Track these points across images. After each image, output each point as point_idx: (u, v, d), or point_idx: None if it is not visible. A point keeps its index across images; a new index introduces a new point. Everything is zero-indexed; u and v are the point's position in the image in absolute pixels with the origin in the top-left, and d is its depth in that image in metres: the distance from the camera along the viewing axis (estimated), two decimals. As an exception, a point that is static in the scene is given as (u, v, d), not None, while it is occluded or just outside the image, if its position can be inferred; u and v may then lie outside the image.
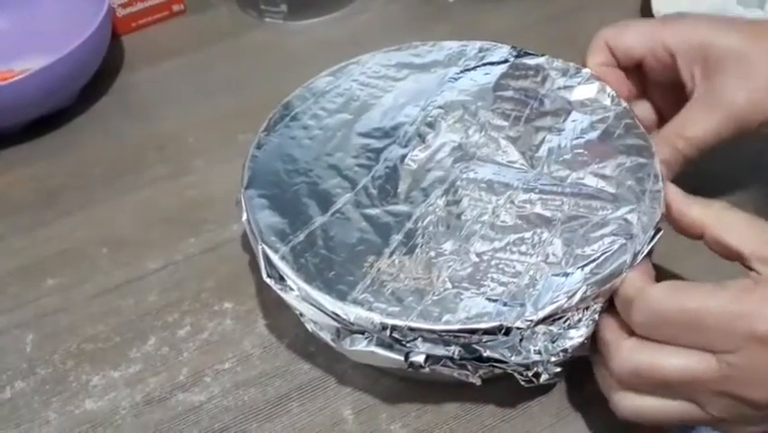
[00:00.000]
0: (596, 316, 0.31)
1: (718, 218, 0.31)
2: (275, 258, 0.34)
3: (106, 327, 0.40)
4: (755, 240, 0.30)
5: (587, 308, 0.31)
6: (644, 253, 0.32)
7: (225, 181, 0.48)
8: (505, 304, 0.31)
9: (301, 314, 0.33)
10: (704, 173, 0.39)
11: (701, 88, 0.37)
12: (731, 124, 0.36)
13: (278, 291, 0.34)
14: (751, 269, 0.30)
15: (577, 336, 0.31)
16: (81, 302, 0.42)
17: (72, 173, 0.50)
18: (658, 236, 0.33)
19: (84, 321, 0.41)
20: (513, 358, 0.31)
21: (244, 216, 0.36)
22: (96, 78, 0.55)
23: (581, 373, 0.34)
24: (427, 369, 0.31)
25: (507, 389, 0.34)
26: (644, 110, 0.41)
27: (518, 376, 0.31)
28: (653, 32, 0.39)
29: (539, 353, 0.31)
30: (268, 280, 0.34)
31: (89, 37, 0.50)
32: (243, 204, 0.37)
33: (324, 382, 0.37)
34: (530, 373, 0.31)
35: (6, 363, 0.39)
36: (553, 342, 0.31)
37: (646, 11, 0.55)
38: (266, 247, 0.34)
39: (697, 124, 0.37)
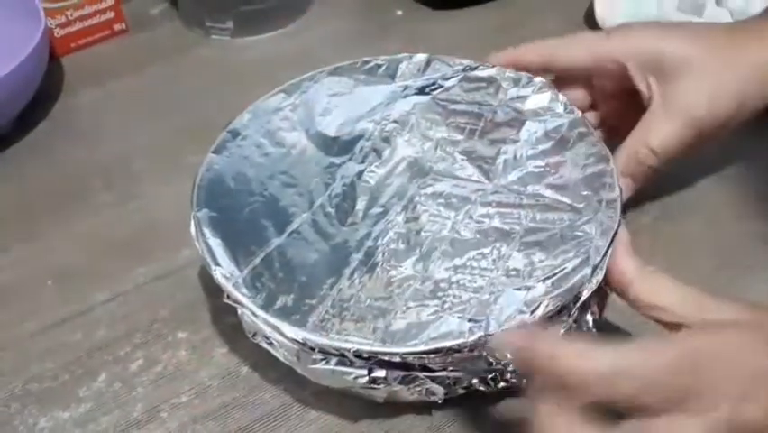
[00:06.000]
0: (561, 331, 0.31)
1: (648, 279, 0.30)
2: (228, 285, 0.33)
3: (53, 364, 0.38)
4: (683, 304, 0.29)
5: (552, 324, 0.31)
6: (604, 267, 0.32)
7: (174, 205, 0.46)
8: (468, 320, 0.31)
9: (264, 337, 0.32)
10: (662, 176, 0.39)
11: (659, 97, 0.37)
12: (692, 131, 0.37)
13: (240, 316, 0.33)
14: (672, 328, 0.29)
15: None
16: (26, 339, 0.40)
17: (13, 204, 0.47)
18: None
19: (29, 359, 0.39)
20: (475, 370, 0.31)
21: (197, 240, 0.35)
22: (33, 103, 0.52)
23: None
24: (392, 384, 0.31)
25: (474, 410, 0.34)
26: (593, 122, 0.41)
27: (479, 383, 0.31)
28: (598, 44, 0.39)
29: (500, 363, 0.31)
30: (228, 302, 0.33)
31: (24, 60, 0.47)
32: (194, 227, 0.35)
33: (287, 411, 0.36)
34: (489, 377, 0.31)
35: (-55, 409, 0.37)
36: None
37: (591, 20, 0.55)
38: (220, 272, 0.33)
39: (660, 133, 0.37)
